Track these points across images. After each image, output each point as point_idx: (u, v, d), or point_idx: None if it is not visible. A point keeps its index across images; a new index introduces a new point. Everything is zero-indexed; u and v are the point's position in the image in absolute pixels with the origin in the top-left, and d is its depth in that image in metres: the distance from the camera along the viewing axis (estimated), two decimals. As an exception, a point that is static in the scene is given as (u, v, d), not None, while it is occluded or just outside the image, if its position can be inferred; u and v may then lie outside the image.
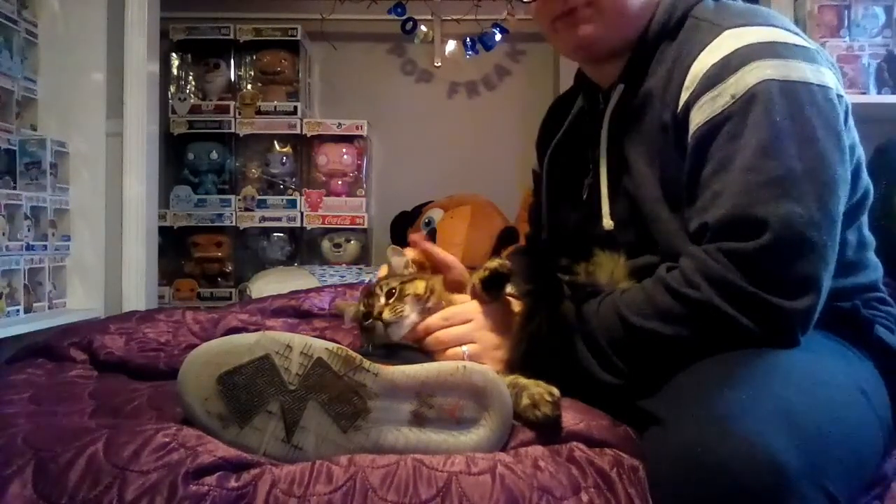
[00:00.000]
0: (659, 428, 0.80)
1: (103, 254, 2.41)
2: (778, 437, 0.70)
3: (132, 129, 2.43)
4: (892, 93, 2.55)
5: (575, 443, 0.85)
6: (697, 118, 0.94)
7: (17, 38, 2.27)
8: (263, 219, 3.23)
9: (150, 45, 2.48)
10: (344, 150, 3.31)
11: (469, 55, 3.41)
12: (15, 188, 2.19)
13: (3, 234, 2.04)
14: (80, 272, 2.40)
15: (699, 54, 0.96)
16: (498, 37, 3.35)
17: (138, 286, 2.43)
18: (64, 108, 2.40)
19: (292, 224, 3.25)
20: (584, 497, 0.77)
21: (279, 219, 3.24)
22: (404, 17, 3.30)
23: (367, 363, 0.86)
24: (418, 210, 3.21)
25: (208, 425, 0.84)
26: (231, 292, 3.22)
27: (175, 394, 0.90)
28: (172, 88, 3.28)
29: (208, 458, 0.75)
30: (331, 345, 0.86)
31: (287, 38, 3.30)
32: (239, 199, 3.23)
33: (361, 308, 1.08)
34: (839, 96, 0.96)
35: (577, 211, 1.16)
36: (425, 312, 1.05)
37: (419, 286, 1.06)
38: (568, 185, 1.18)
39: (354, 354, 0.86)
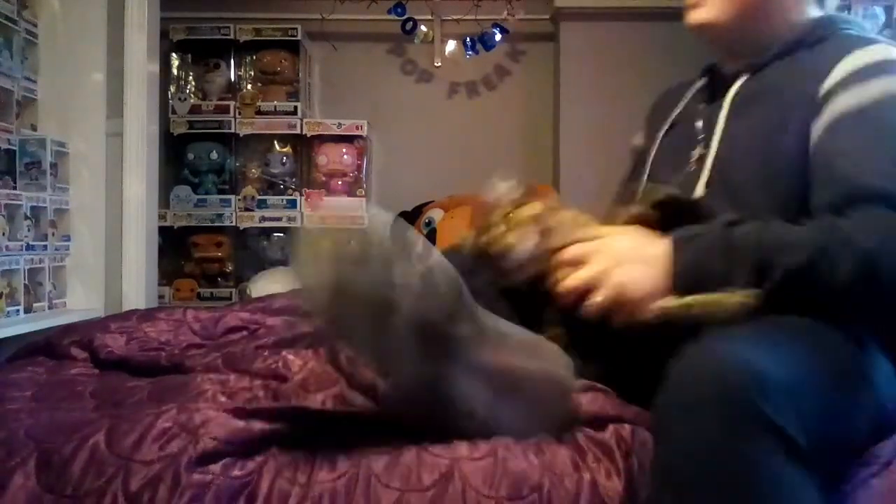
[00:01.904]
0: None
1: (103, 254, 2.41)
2: (766, 362, 0.76)
3: (132, 129, 2.43)
4: (892, 91, 2.55)
5: (577, 425, 0.86)
6: (844, 101, 1.00)
7: (17, 38, 2.26)
8: (263, 219, 3.23)
9: (150, 45, 2.48)
10: (344, 150, 3.31)
11: (469, 55, 3.41)
12: (15, 188, 2.19)
13: (3, 234, 2.04)
14: (80, 272, 2.40)
15: (850, 53, 1.04)
16: (498, 37, 3.36)
17: (138, 286, 2.43)
18: (64, 108, 2.40)
19: (292, 224, 3.24)
20: (586, 474, 0.78)
21: (279, 219, 3.24)
22: (404, 17, 3.31)
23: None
24: (418, 210, 3.21)
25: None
26: (231, 292, 3.21)
27: (176, 385, 0.89)
28: (172, 88, 3.28)
29: (211, 444, 0.75)
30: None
31: (287, 38, 3.30)
32: (239, 199, 3.23)
33: (482, 239, 1.04)
34: None
35: (679, 181, 1.17)
36: (545, 234, 1.00)
37: (535, 207, 1.03)
38: (674, 157, 1.22)
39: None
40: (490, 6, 3.32)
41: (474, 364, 0.82)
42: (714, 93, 1.22)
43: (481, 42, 3.37)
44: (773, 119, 1.07)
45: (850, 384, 0.88)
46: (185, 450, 0.75)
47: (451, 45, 3.48)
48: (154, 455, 0.75)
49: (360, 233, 0.79)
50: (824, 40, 1.11)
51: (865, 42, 1.06)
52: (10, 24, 2.23)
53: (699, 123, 1.19)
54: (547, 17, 3.47)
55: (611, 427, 0.83)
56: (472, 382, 0.82)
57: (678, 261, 0.92)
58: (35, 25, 2.37)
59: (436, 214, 3.09)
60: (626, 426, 0.84)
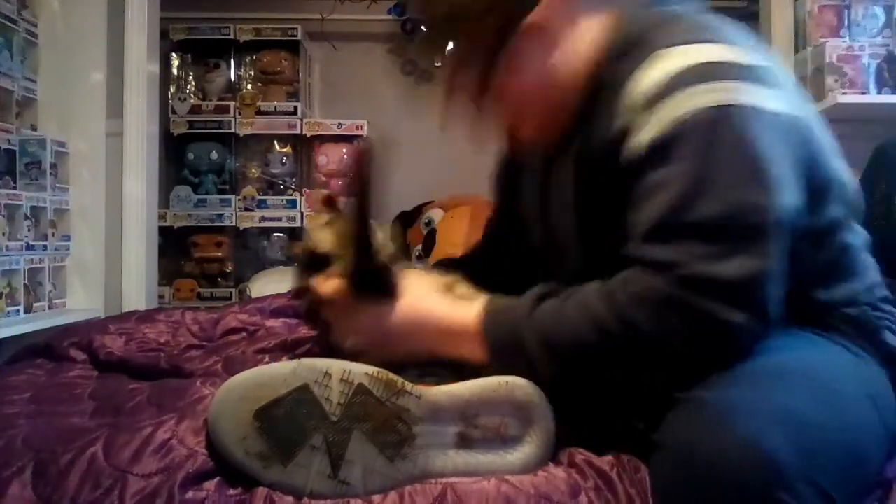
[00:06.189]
0: (663, 425, 0.80)
1: (103, 254, 2.41)
2: (775, 436, 0.71)
3: (132, 129, 2.43)
4: (892, 93, 2.55)
5: (574, 447, 0.85)
6: (630, 144, 0.88)
7: (17, 38, 2.26)
8: (263, 219, 3.23)
9: (150, 45, 2.48)
10: (344, 150, 3.31)
11: (469, 55, 3.40)
12: (15, 188, 2.19)
13: (3, 234, 2.04)
14: (80, 272, 2.40)
15: (633, 76, 0.88)
16: (498, 37, 3.35)
17: (138, 286, 2.43)
18: (64, 108, 2.40)
19: (292, 224, 3.24)
20: (584, 499, 0.77)
21: (279, 219, 3.24)
22: (404, 17, 3.31)
23: (409, 386, 0.82)
24: (418, 210, 3.21)
25: (248, 466, 0.78)
26: (231, 292, 3.21)
27: (175, 389, 0.89)
28: (172, 88, 3.27)
29: (208, 462, 0.75)
30: (370, 368, 0.83)
31: (287, 38, 3.30)
32: (239, 199, 3.23)
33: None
34: (795, 117, 0.88)
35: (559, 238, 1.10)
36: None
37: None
38: (535, 209, 1.15)
39: (395, 377, 0.83)
40: (490, 6, 3.31)
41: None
42: None
43: (482, 42, 3.36)
44: (592, 166, 0.96)
45: (860, 416, 0.84)
46: (182, 465, 0.75)
47: (451, 45, 3.47)
48: (152, 468, 0.75)
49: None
50: (629, 51, 0.93)
51: (650, 53, 0.88)
52: (10, 24, 2.23)
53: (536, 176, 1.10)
54: (547, 17, 3.46)
55: (610, 452, 0.83)
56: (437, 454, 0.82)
57: (488, 334, 0.89)
58: (35, 25, 2.37)
59: (436, 214, 3.09)
60: (625, 455, 0.83)
